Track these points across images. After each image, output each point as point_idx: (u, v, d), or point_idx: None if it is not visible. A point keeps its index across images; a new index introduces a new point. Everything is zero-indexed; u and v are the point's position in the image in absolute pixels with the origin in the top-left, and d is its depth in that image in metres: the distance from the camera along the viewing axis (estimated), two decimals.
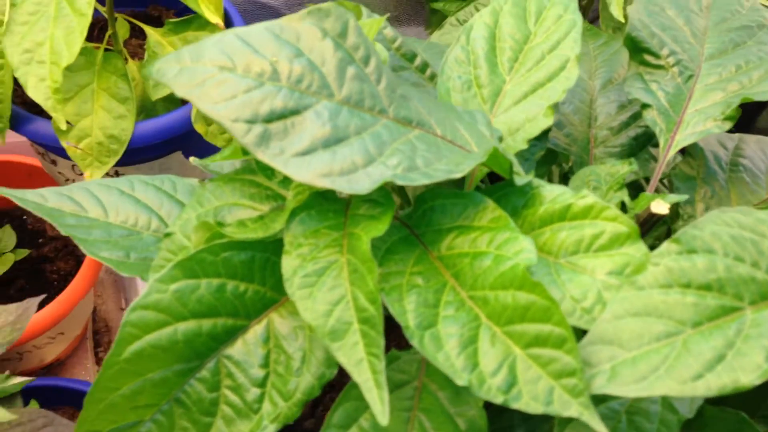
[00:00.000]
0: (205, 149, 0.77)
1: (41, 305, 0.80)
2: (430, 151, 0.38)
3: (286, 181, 0.42)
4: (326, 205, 0.39)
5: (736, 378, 0.32)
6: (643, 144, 0.60)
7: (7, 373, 0.62)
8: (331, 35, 0.38)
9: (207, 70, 0.35)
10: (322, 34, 0.38)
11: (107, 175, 0.72)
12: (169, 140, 0.74)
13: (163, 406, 0.38)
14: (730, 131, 0.94)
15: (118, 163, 0.72)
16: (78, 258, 0.94)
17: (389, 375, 0.41)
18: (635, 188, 0.60)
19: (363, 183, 0.35)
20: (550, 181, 0.62)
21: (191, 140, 0.77)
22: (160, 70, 0.36)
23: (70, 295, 0.84)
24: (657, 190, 0.64)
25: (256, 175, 0.42)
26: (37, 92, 0.59)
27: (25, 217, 0.97)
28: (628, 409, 0.40)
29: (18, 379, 0.61)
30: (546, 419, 0.44)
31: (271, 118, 0.35)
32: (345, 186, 0.35)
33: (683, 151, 0.59)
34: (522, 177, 0.40)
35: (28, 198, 0.46)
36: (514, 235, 0.37)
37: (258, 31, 0.37)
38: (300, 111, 0.36)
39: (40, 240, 0.97)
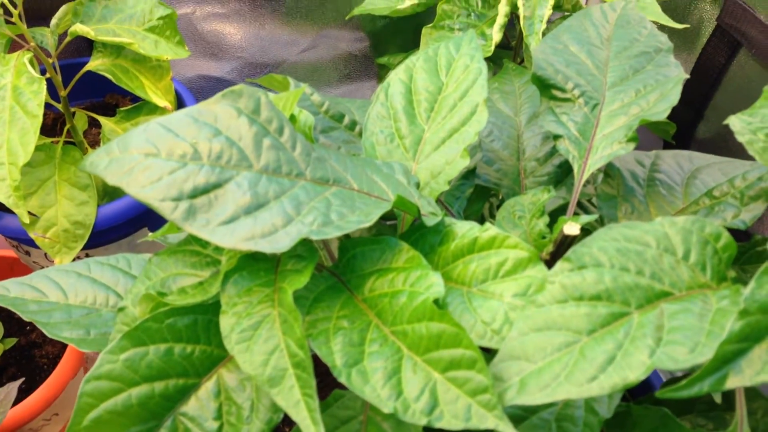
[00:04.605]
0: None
1: (34, 389, 0.84)
2: (344, 206, 0.42)
3: (220, 247, 0.46)
4: (257, 265, 0.43)
5: (624, 376, 0.35)
6: (567, 170, 0.64)
7: None
8: (246, 113, 0.43)
9: (134, 158, 0.40)
10: (237, 113, 0.43)
11: (77, 258, 0.75)
12: (133, 219, 0.78)
13: None
14: (671, 146, 0.99)
15: (87, 247, 0.76)
16: None
17: (335, 412, 0.45)
18: (565, 212, 0.64)
19: (283, 242, 0.39)
20: (484, 216, 0.67)
21: (155, 215, 0.81)
22: (92, 163, 0.40)
23: (58, 378, 0.88)
24: (586, 211, 0.68)
25: (194, 245, 0.46)
26: None
27: None
28: (556, 417, 0.44)
29: None
30: None
31: (195, 193, 0.39)
32: (267, 247, 0.39)
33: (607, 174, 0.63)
34: (431, 218, 0.44)
35: None
36: (425, 272, 0.40)
37: (178, 117, 0.42)
38: (222, 184, 0.40)
39: (28, 327, 1.00)
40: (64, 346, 0.97)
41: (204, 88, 1.16)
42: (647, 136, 1.09)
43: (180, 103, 0.86)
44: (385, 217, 0.60)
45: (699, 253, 0.40)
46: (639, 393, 0.61)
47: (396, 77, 0.58)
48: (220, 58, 1.11)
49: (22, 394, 0.84)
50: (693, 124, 1.02)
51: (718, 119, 0.99)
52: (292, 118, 0.52)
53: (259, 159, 0.42)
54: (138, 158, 0.40)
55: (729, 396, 0.51)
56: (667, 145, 1.05)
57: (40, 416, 0.89)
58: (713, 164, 0.61)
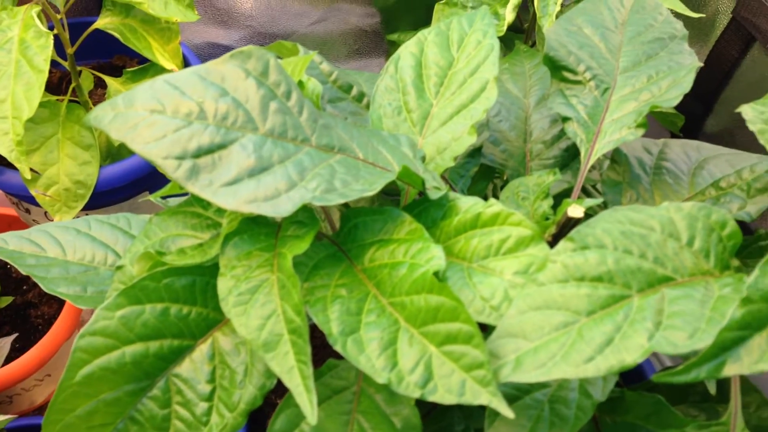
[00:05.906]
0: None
1: (28, 348, 0.83)
2: (349, 174, 0.41)
3: (222, 209, 0.45)
4: (257, 229, 0.42)
5: (621, 358, 0.35)
6: (573, 155, 0.64)
7: None
8: (254, 75, 0.42)
9: (139, 114, 0.39)
10: (245, 74, 0.42)
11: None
12: (135, 181, 0.78)
13: (118, 424, 0.42)
14: (677, 136, 0.99)
15: (88, 207, 0.76)
16: (60, 302, 0.97)
17: (329, 381, 0.45)
18: (568, 196, 0.63)
19: (285, 206, 0.38)
20: (487, 196, 0.66)
21: (156, 179, 0.81)
22: (96, 117, 0.39)
23: (53, 338, 0.87)
24: (591, 197, 0.68)
25: (195, 206, 0.46)
26: (1, 146, 0.63)
27: (8, 266, 1.01)
28: (550, 398, 0.44)
29: (1, 418, 0.64)
30: (482, 415, 0.47)
31: (199, 153, 0.39)
32: (269, 210, 0.38)
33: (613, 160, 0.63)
34: (435, 191, 0.44)
35: None
36: (426, 245, 0.40)
37: (185, 75, 0.41)
38: (226, 145, 0.40)
39: (24, 287, 1.00)
40: (59, 307, 0.96)
41: (212, 56, 1.15)
42: (654, 127, 1.08)
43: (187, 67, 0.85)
44: (387, 192, 0.59)
45: (703, 240, 0.39)
46: (631, 382, 0.61)
47: (407, 50, 0.57)
48: (229, 26, 1.10)
49: (16, 353, 0.84)
50: (702, 117, 1.01)
51: (727, 114, 0.98)
52: (300, 85, 0.52)
53: (265, 122, 0.41)
54: (143, 114, 0.39)
55: (723, 388, 0.51)
56: (674, 138, 1.04)
57: (33, 376, 0.89)
58: (721, 155, 0.61)
